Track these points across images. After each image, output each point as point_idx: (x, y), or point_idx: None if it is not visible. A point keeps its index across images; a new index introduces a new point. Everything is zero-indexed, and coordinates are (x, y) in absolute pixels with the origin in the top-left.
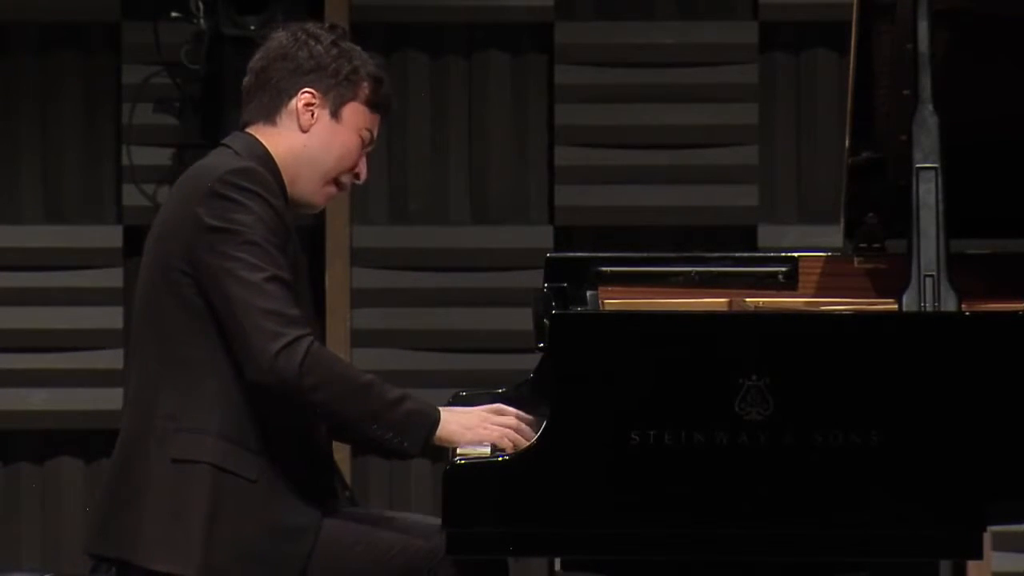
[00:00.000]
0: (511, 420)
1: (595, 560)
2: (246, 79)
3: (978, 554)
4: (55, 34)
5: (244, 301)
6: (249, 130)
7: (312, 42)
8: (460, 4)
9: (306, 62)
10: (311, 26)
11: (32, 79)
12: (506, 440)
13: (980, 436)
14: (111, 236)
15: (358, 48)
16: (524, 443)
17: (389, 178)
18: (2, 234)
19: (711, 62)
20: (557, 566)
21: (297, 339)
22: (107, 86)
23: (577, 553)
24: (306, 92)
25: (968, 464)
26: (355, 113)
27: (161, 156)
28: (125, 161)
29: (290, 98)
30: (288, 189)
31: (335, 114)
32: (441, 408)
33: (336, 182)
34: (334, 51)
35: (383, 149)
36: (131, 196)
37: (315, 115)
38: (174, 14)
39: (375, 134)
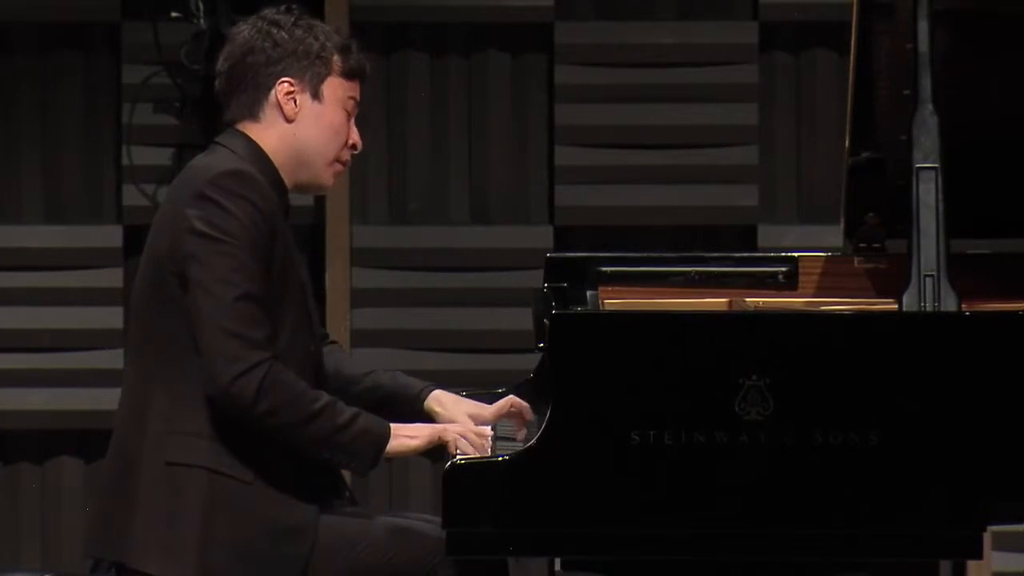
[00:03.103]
0: (503, 407)
1: (595, 560)
2: (217, 81)
3: (978, 554)
4: (55, 34)
5: (211, 318)
6: (238, 128)
7: (274, 29)
8: (460, 4)
9: (273, 51)
10: (268, 13)
11: (32, 79)
12: (452, 435)
13: (980, 436)
14: (111, 236)
15: (319, 22)
16: (476, 445)
17: (389, 178)
18: (2, 234)
19: (711, 62)
20: (557, 566)
21: (257, 365)
22: (107, 86)
23: (577, 553)
24: (283, 82)
25: (968, 464)
26: (335, 88)
27: (161, 156)
28: (125, 161)
29: (268, 91)
30: (292, 179)
31: (316, 95)
32: (430, 407)
33: (338, 159)
34: (298, 32)
35: (383, 149)
36: (131, 196)
37: (297, 102)
38: (174, 14)
39: (358, 100)
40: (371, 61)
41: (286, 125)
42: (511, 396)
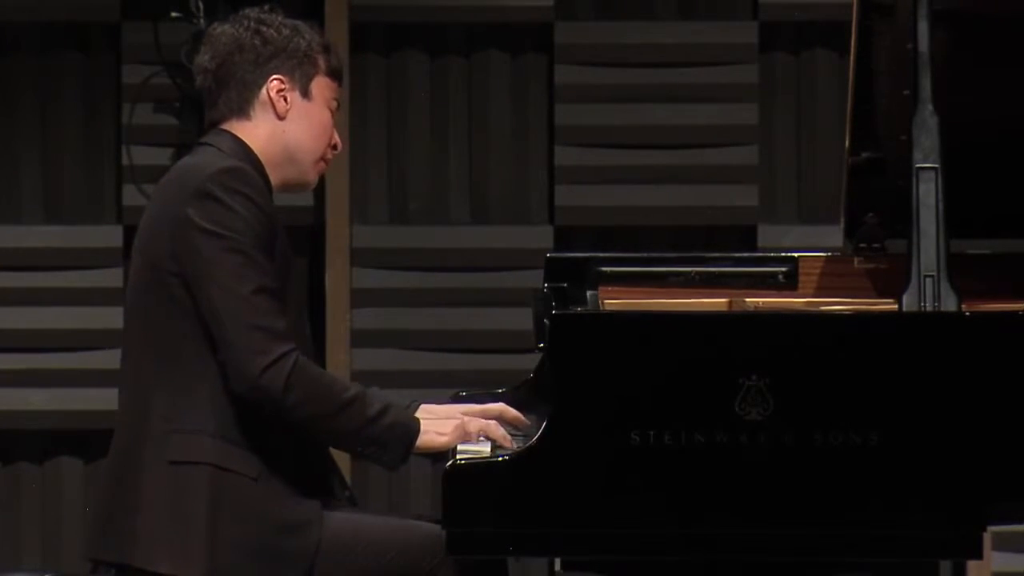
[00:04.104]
0: (492, 412)
1: (595, 560)
2: (200, 79)
3: (978, 554)
4: (55, 34)
5: (231, 314)
6: (224, 127)
7: (263, 28)
8: (460, 4)
9: (264, 49)
10: (252, 12)
11: (32, 79)
12: (490, 429)
13: (980, 436)
14: (111, 236)
15: (301, 22)
16: (503, 434)
17: (389, 178)
18: (2, 234)
19: (711, 62)
20: (557, 566)
21: (283, 356)
22: (107, 86)
23: (577, 553)
24: (274, 79)
25: (968, 464)
26: (322, 87)
27: (161, 156)
28: (125, 161)
29: (259, 88)
30: (279, 177)
31: (305, 93)
32: (421, 417)
33: (322, 157)
34: (286, 31)
35: (383, 149)
36: (131, 196)
37: (288, 99)
38: (174, 14)
39: (339, 102)
40: (371, 61)
41: (277, 122)
42: (502, 404)
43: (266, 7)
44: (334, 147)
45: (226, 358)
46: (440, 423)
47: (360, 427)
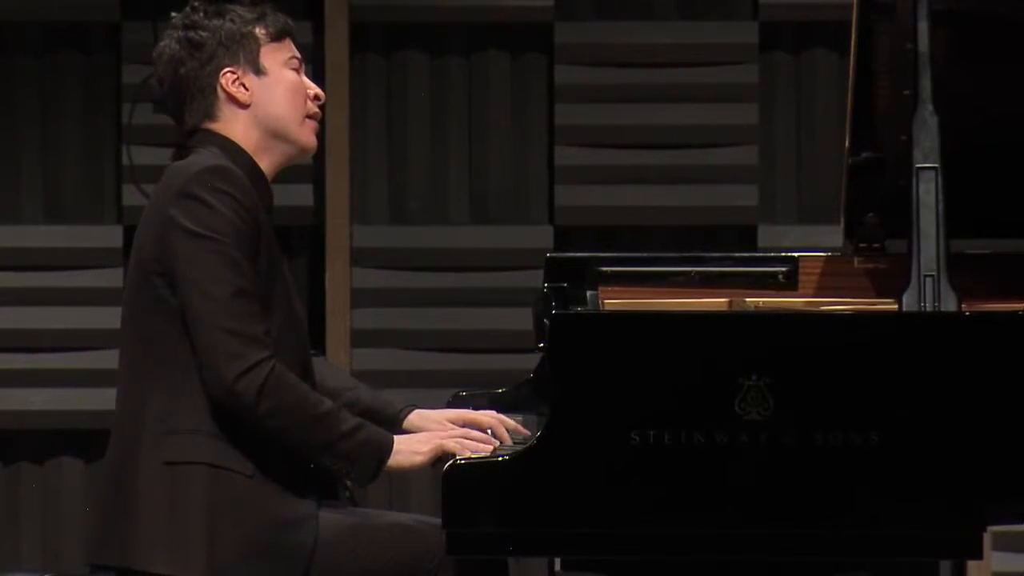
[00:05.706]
0: (484, 423)
1: (595, 560)
2: (165, 97)
3: (978, 554)
4: (55, 34)
5: (208, 317)
6: (204, 128)
7: (191, 33)
8: (460, 4)
9: (200, 54)
10: (178, 19)
11: (32, 79)
12: (455, 444)
13: (980, 436)
14: (111, 236)
15: (225, 5)
16: (480, 448)
17: (389, 178)
18: (2, 234)
19: (711, 62)
20: (557, 566)
21: (259, 363)
22: (107, 86)
23: (577, 553)
24: (224, 74)
25: (968, 464)
26: (270, 55)
27: (161, 156)
28: (125, 161)
29: (215, 88)
30: (274, 158)
31: (258, 70)
32: (411, 426)
33: (307, 116)
34: (213, 23)
35: (383, 149)
36: (131, 196)
37: (247, 85)
38: (174, 14)
39: (297, 53)
40: (371, 61)
41: (245, 112)
42: (499, 416)
43: (187, 9)
44: (316, 99)
45: (202, 361)
46: (417, 442)
47: (331, 441)
